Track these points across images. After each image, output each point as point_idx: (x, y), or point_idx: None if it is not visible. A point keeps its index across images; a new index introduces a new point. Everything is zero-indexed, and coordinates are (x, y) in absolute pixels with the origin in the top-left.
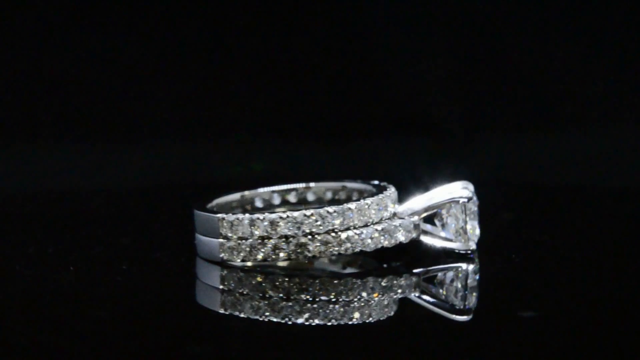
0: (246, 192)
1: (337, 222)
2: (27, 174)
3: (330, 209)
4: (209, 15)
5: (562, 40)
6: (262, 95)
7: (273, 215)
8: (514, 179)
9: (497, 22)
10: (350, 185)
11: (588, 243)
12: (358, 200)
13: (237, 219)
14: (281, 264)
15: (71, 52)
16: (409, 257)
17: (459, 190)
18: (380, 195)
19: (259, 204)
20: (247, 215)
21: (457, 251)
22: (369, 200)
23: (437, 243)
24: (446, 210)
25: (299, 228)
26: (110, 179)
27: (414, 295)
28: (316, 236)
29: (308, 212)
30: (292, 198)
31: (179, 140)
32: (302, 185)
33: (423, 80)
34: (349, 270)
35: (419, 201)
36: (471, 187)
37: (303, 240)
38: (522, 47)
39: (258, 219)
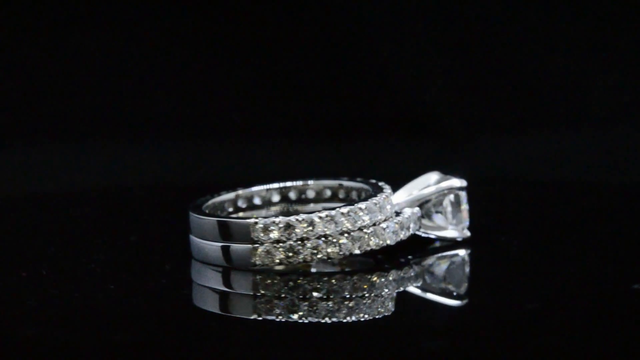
0: (240, 191)
1: (367, 218)
2: (24, 174)
3: (362, 205)
4: (207, 14)
5: (561, 39)
6: (260, 94)
7: (312, 216)
8: (511, 178)
9: (497, 21)
10: (347, 183)
11: (579, 235)
12: (375, 196)
13: (273, 222)
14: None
15: (69, 51)
16: (401, 249)
17: (452, 180)
18: (388, 191)
19: (254, 202)
20: (281, 217)
21: (452, 239)
22: (383, 195)
23: (433, 232)
24: (434, 200)
25: (335, 226)
26: (99, 179)
27: (415, 286)
28: (352, 234)
29: (344, 210)
30: (291, 196)
31: (176, 140)
32: (298, 183)
33: (422, 80)
34: (348, 269)
35: (412, 193)
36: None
37: (340, 238)
38: (521, 46)
39: (297, 220)
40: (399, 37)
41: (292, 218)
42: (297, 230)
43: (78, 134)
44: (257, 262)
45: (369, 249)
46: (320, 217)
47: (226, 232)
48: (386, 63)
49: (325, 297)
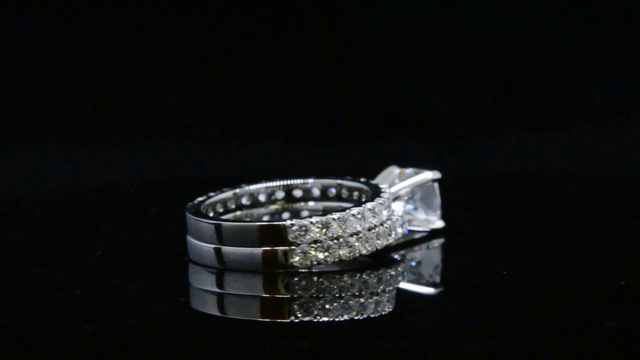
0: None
1: (385, 213)
2: (17, 174)
3: (380, 200)
4: (206, 14)
5: (561, 39)
6: (260, 94)
7: (345, 214)
8: (507, 176)
9: (496, 21)
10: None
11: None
12: (382, 192)
13: (311, 222)
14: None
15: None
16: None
17: (427, 172)
18: (387, 188)
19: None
20: (317, 217)
21: (431, 230)
22: (388, 192)
23: (413, 224)
24: (406, 192)
25: (363, 223)
26: (97, 178)
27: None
28: (377, 229)
29: (369, 206)
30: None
31: (175, 139)
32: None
33: (421, 80)
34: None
35: (394, 187)
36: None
37: (367, 234)
38: (521, 46)
39: (333, 219)
40: (399, 37)
41: (328, 217)
42: (332, 229)
43: (75, 133)
44: (295, 264)
45: (388, 243)
46: (353, 215)
47: (249, 235)
48: (385, 63)
49: (357, 294)
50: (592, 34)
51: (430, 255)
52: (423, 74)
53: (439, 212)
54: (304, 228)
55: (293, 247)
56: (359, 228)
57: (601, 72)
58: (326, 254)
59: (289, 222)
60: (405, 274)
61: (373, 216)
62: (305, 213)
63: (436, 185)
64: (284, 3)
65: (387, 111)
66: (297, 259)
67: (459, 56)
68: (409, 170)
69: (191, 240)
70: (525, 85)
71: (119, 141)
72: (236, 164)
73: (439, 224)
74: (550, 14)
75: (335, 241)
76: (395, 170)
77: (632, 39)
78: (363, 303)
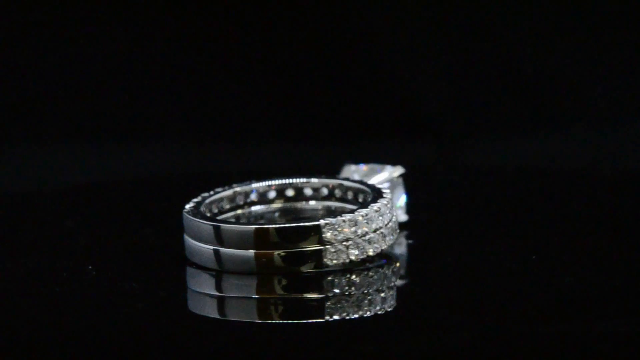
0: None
1: (394, 210)
2: (20, 173)
3: (388, 197)
4: (206, 13)
5: (562, 39)
6: (260, 94)
7: (369, 211)
8: (506, 175)
9: (497, 21)
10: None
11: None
12: (384, 190)
13: (343, 220)
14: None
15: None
16: None
17: (389, 168)
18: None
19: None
20: (347, 215)
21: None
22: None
23: None
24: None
25: (383, 219)
26: (95, 177)
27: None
28: (389, 224)
29: (384, 202)
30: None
31: (175, 138)
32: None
33: (422, 79)
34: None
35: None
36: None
37: (385, 230)
38: (522, 46)
39: (361, 215)
40: (399, 37)
41: (357, 215)
42: (360, 226)
43: (73, 132)
44: (330, 264)
45: (396, 238)
46: (375, 211)
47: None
48: (386, 62)
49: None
50: (591, 33)
51: (402, 249)
52: (423, 74)
53: (404, 206)
54: (338, 227)
55: (327, 247)
56: (380, 224)
57: (600, 72)
58: (357, 251)
59: (322, 222)
60: (400, 269)
61: (388, 211)
62: (276, 214)
63: (401, 180)
64: (284, 2)
65: (387, 111)
66: (329, 258)
67: (460, 55)
68: (362, 167)
69: (189, 240)
70: (523, 85)
71: (118, 140)
72: (236, 163)
73: (403, 217)
74: (550, 12)
75: (363, 238)
76: (351, 167)
77: (632, 39)
78: (385, 298)
